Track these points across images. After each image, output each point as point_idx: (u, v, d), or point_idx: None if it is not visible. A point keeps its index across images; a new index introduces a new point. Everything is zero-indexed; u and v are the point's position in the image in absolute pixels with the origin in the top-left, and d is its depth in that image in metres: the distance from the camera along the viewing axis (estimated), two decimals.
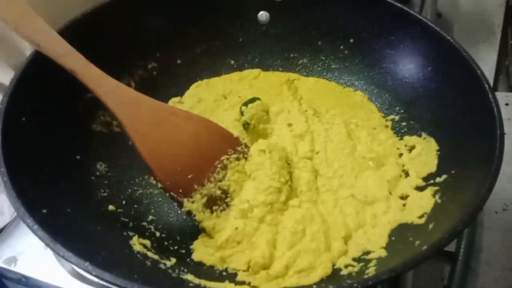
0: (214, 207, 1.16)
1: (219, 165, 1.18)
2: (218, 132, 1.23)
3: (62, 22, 1.18)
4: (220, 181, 1.18)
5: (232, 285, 0.99)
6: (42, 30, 1.09)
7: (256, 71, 1.46)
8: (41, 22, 1.09)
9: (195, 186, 1.14)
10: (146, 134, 1.11)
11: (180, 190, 1.13)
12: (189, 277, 1.00)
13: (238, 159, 1.21)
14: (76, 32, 1.16)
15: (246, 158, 1.22)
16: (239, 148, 1.22)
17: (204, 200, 1.15)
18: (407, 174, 1.18)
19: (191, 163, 1.15)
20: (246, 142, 1.26)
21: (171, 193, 1.13)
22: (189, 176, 1.14)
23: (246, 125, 1.28)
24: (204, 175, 1.16)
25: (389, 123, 1.32)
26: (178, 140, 1.16)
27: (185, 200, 1.13)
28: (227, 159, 1.20)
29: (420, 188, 1.13)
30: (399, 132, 1.28)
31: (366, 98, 1.39)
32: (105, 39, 1.17)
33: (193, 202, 1.13)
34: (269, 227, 1.10)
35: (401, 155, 1.24)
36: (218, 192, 1.17)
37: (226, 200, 1.18)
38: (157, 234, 1.12)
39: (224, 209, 1.17)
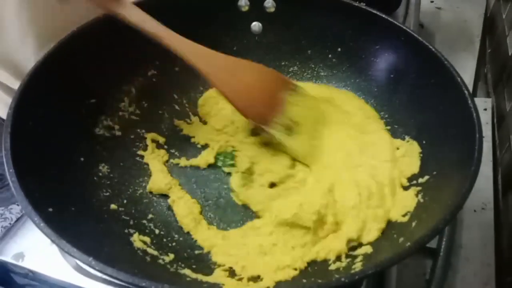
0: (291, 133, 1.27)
1: (281, 100, 1.29)
2: (273, 74, 1.33)
3: (70, 30, 1.18)
4: (286, 112, 1.28)
5: (228, 279, 1.00)
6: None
7: None
8: None
9: (272, 117, 1.27)
10: (225, 81, 1.24)
11: (265, 122, 1.26)
12: (186, 271, 1.00)
13: (291, 94, 1.31)
14: (81, 40, 1.16)
15: (298, 93, 1.33)
16: (290, 86, 1.32)
17: (281, 127, 1.27)
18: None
19: (263, 100, 1.28)
20: (294, 82, 1.37)
21: (260, 124, 1.26)
22: (264, 109, 1.27)
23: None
24: (275, 109, 1.28)
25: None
26: (249, 83, 1.28)
27: (268, 127, 1.26)
28: (284, 94, 1.30)
29: (404, 188, 1.13)
30: None
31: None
32: (107, 48, 1.17)
33: (277, 130, 1.26)
34: None
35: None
36: (289, 121, 1.28)
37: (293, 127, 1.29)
38: (156, 231, 1.11)
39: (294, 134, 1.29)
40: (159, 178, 1.22)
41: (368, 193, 1.12)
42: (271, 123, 1.26)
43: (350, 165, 1.22)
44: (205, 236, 1.12)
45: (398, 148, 1.23)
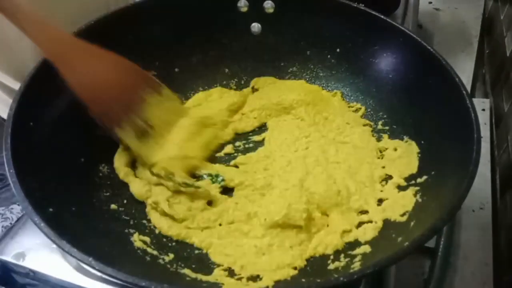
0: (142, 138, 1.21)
1: (138, 99, 1.22)
2: (133, 68, 1.24)
3: (70, 31, 1.18)
4: (141, 114, 1.21)
5: (228, 278, 0.99)
6: None
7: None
8: None
9: (123, 116, 1.18)
10: (72, 67, 1.12)
11: (110, 120, 1.17)
12: (186, 271, 1.00)
13: (152, 93, 1.24)
14: None
15: (160, 94, 1.27)
16: (152, 84, 1.26)
17: (132, 130, 1.19)
18: (390, 176, 1.19)
19: (115, 95, 1.19)
20: (158, 81, 1.29)
21: (103, 122, 1.17)
22: (114, 106, 1.18)
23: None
24: (128, 108, 1.20)
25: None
26: (101, 75, 1.18)
27: (116, 128, 1.17)
28: (143, 93, 1.23)
29: (402, 188, 1.13)
30: (382, 135, 1.28)
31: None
32: (108, 49, 1.17)
33: (124, 131, 1.18)
34: None
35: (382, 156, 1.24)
36: (142, 124, 1.21)
37: (148, 130, 1.22)
38: (156, 231, 1.11)
39: (147, 139, 1.22)
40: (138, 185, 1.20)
41: (347, 192, 1.14)
42: (122, 123, 1.18)
43: (322, 163, 1.22)
44: (202, 237, 1.10)
45: (386, 149, 1.25)
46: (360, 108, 1.35)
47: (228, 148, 1.31)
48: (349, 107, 1.37)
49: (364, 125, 1.33)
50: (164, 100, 1.27)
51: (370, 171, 1.20)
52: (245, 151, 1.31)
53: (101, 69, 1.19)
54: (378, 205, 1.13)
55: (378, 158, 1.24)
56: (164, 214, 1.12)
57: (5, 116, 1.00)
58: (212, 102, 1.40)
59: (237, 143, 1.33)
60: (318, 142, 1.28)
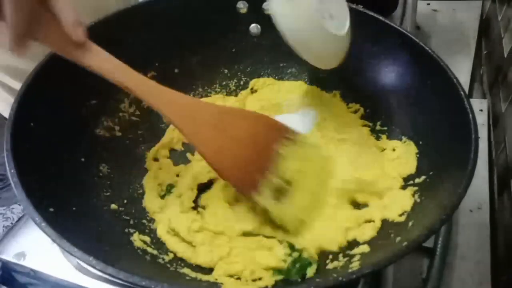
0: (281, 197, 1.10)
1: (272, 154, 1.12)
2: (267, 122, 1.18)
3: None
4: (278, 171, 1.11)
5: (227, 278, 0.99)
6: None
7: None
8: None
9: (259, 178, 1.09)
10: (206, 138, 1.07)
11: (248, 186, 1.09)
12: (186, 271, 1.00)
13: (288, 145, 1.15)
14: None
15: (295, 142, 1.17)
16: (287, 135, 1.16)
17: (270, 192, 1.09)
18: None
19: (250, 156, 1.11)
20: (290, 128, 1.19)
21: (240, 190, 1.12)
22: (251, 169, 1.10)
23: None
24: (264, 166, 1.11)
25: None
26: (234, 138, 1.10)
27: (253, 193, 1.08)
28: (279, 146, 1.13)
29: (400, 188, 1.13)
30: (380, 136, 1.28)
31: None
32: (108, 50, 1.17)
33: (262, 196, 1.08)
34: None
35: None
36: (281, 181, 1.10)
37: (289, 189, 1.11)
38: (157, 231, 1.11)
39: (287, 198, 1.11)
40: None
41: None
42: (259, 187, 1.08)
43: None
44: (207, 259, 1.05)
45: (385, 149, 1.26)
46: (359, 109, 1.35)
47: None
48: (348, 107, 1.38)
49: (363, 125, 1.33)
50: (299, 148, 1.17)
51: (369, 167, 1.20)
52: None
53: (233, 132, 1.11)
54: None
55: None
56: (183, 240, 1.09)
57: (5, 114, 1.00)
58: None
59: None
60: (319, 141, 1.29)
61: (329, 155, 1.23)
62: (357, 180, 1.15)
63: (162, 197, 1.21)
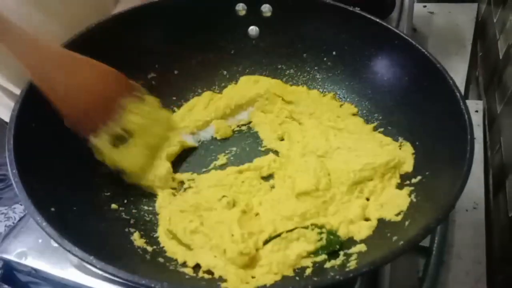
0: (117, 143, 1.18)
1: (118, 107, 1.19)
2: (115, 76, 1.21)
3: (69, 36, 1.18)
4: (120, 120, 1.19)
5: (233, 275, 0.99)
6: None
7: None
8: None
9: (100, 125, 1.16)
10: (48, 77, 1.09)
11: (85, 128, 1.14)
12: (186, 270, 1.00)
13: (135, 102, 1.22)
14: (81, 46, 1.16)
15: (143, 102, 1.24)
16: (135, 93, 1.24)
17: (108, 137, 1.16)
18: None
19: (92, 104, 1.15)
20: (140, 87, 1.26)
21: (76, 130, 1.13)
22: (93, 115, 1.15)
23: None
24: (106, 115, 1.18)
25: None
26: (78, 83, 1.14)
27: (91, 136, 1.14)
28: (125, 101, 1.21)
29: (397, 187, 1.13)
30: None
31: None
32: (108, 51, 1.17)
33: (98, 139, 1.15)
34: None
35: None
36: (120, 131, 1.19)
37: (127, 138, 1.20)
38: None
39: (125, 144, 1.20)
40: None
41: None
42: (98, 131, 1.15)
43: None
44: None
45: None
46: (356, 110, 1.36)
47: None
48: (342, 107, 1.38)
49: (353, 114, 1.35)
50: (146, 107, 1.25)
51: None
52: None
53: (79, 78, 1.15)
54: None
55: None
56: (180, 243, 1.08)
57: (6, 118, 1.00)
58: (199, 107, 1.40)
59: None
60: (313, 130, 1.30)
61: (168, 114, 1.33)
62: (370, 165, 1.15)
63: None
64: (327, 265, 0.99)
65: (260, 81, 1.44)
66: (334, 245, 1.04)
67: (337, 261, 0.99)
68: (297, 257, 1.02)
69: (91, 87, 1.16)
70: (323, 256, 1.02)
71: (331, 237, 1.05)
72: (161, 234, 1.10)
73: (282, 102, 1.39)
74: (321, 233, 1.06)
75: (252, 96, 1.39)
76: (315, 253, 1.03)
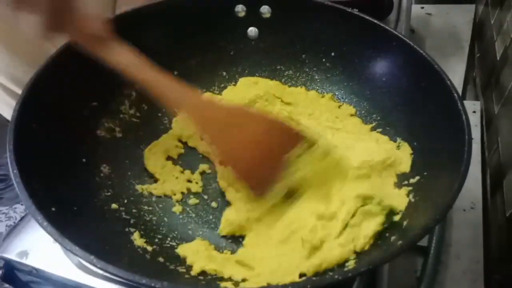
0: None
1: (285, 161, 1.10)
2: (281, 128, 1.14)
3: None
4: (288, 177, 1.11)
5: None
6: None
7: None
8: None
9: (271, 183, 1.09)
10: (224, 137, 1.09)
11: (262, 187, 1.10)
12: (185, 269, 1.00)
13: (300, 154, 1.11)
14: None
15: (311, 151, 1.13)
16: (301, 144, 1.12)
17: (283, 193, 1.11)
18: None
19: (265, 159, 1.11)
20: (309, 137, 1.14)
21: (256, 191, 1.11)
22: (265, 173, 1.11)
23: None
24: (275, 172, 1.10)
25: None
26: (252, 138, 1.11)
27: (266, 195, 1.10)
28: (291, 154, 1.11)
29: (395, 184, 1.14)
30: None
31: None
32: None
33: (275, 195, 1.10)
34: None
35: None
36: (289, 187, 1.11)
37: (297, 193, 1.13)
38: (156, 230, 1.11)
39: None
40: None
41: None
42: (269, 191, 1.09)
43: None
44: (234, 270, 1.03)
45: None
46: (354, 111, 1.36)
47: None
48: (341, 108, 1.39)
49: (351, 115, 1.36)
50: (310, 156, 1.13)
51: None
52: None
53: (249, 135, 1.11)
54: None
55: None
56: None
57: (7, 117, 1.00)
58: None
59: None
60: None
61: (340, 157, 1.18)
62: (367, 163, 1.15)
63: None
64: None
65: (259, 82, 1.44)
66: (392, 213, 1.06)
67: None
68: (371, 236, 1.03)
69: (259, 141, 1.12)
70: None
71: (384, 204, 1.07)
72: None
73: (281, 103, 1.40)
74: (379, 203, 1.07)
75: (251, 97, 1.39)
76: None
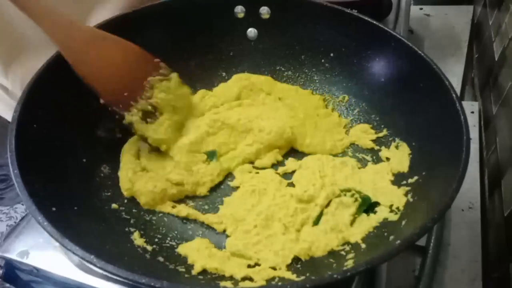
0: (148, 119, 1.23)
1: (147, 85, 1.25)
2: (143, 55, 1.26)
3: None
4: (149, 98, 1.24)
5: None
6: None
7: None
8: None
9: (131, 102, 1.21)
10: (83, 57, 1.14)
11: (120, 106, 1.19)
12: (185, 269, 1.00)
13: (161, 80, 1.27)
14: None
15: (168, 80, 1.29)
16: (161, 71, 1.28)
17: (140, 114, 1.21)
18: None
19: (125, 82, 1.21)
20: (165, 65, 1.30)
21: (113, 108, 1.19)
22: (125, 94, 1.21)
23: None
24: (137, 93, 1.22)
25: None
26: (111, 62, 1.20)
27: (125, 113, 1.20)
28: (152, 79, 1.25)
29: (392, 183, 1.15)
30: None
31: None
32: None
33: (132, 115, 1.20)
34: None
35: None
36: (150, 107, 1.23)
37: (156, 114, 1.25)
38: (156, 229, 1.11)
39: (155, 121, 1.25)
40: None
41: None
42: (131, 108, 1.21)
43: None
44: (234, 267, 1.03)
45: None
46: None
47: None
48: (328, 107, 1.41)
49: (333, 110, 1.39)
50: (173, 86, 1.29)
51: None
52: None
53: (111, 57, 1.20)
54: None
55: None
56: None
57: (8, 117, 1.00)
58: None
59: None
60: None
61: (189, 90, 1.35)
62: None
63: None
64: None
65: (251, 78, 1.44)
66: (367, 202, 1.12)
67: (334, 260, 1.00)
68: (348, 224, 1.08)
69: (122, 64, 1.22)
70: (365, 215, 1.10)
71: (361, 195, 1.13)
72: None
73: (265, 95, 1.41)
74: (352, 195, 1.12)
75: (237, 91, 1.40)
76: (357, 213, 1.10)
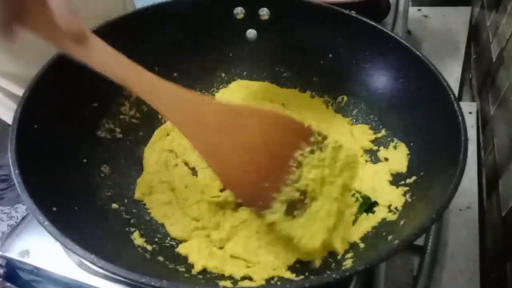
0: (295, 212, 0.97)
1: (293, 164, 0.96)
2: (287, 124, 0.98)
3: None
4: (296, 182, 0.96)
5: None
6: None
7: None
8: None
9: (273, 195, 0.94)
10: (215, 145, 0.93)
11: (260, 203, 0.95)
12: (184, 268, 1.00)
13: (312, 152, 0.98)
14: None
15: (321, 149, 0.99)
16: (312, 139, 0.98)
17: (285, 207, 0.95)
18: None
19: (265, 169, 0.94)
20: (319, 130, 1.00)
21: (249, 205, 1.01)
22: (266, 185, 0.94)
23: None
24: (280, 179, 0.94)
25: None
26: (248, 145, 0.94)
27: (266, 213, 0.95)
28: (301, 154, 0.97)
29: (390, 183, 1.15)
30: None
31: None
32: None
33: (274, 213, 0.95)
34: None
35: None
36: (297, 194, 0.96)
37: (305, 202, 0.98)
38: (157, 231, 1.12)
39: (303, 212, 0.98)
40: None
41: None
42: (269, 201, 0.95)
43: None
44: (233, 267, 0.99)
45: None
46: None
47: None
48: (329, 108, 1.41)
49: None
50: (329, 156, 1.00)
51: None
52: None
53: (249, 139, 0.94)
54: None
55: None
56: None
57: (7, 120, 0.99)
58: None
59: None
60: None
61: (354, 153, 1.09)
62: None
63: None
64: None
65: (250, 86, 1.45)
66: (368, 201, 1.12)
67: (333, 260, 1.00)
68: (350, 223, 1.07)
69: (264, 147, 0.95)
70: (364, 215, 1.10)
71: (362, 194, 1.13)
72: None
73: (268, 104, 1.41)
74: (353, 195, 1.11)
75: (240, 99, 1.40)
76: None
